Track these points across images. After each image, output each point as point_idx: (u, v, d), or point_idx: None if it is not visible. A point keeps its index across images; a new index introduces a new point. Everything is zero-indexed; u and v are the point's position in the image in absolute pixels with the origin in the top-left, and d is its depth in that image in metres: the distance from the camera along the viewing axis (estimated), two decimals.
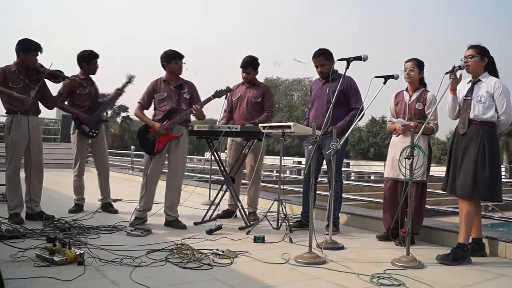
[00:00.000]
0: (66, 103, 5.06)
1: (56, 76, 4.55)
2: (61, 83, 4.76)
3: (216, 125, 4.86)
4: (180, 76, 4.52)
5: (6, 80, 4.17)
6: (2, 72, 4.18)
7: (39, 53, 4.35)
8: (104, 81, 6.26)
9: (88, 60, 5.05)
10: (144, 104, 4.47)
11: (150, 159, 4.39)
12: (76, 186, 5.18)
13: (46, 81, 4.47)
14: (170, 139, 4.37)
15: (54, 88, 4.67)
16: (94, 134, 5.11)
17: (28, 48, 4.27)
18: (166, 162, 4.52)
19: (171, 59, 4.41)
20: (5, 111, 4.30)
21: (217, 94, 4.46)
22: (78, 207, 5.10)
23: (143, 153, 4.56)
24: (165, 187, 4.48)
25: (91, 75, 5.12)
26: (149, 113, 4.55)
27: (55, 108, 5.36)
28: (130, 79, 5.06)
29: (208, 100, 4.43)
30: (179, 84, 4.47)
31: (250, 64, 4.94)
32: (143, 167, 4.60)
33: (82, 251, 2.95)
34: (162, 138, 4.35)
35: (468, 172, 3.43)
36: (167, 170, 4.57)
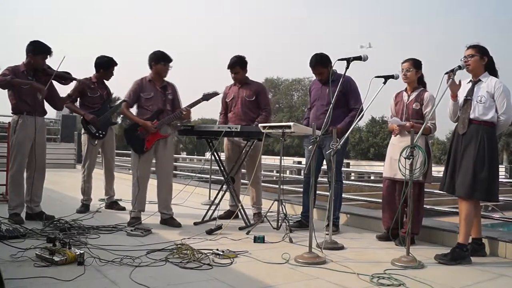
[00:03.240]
0: (77, 104, 5.15)
1: (64, 78, 4.57)
2: (71, 85, 4.78)
3: (216, 125, 4.86)
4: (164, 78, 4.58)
5: None
6: (12, 71, 4.23)
7: (48, 56, 4.37)
8: None
9: (105, 66, 5.20)
10: (130, 102, 4.48)
11: (138, 158, 4.42)
12: (83, 187, 5.20)
13: (54, 82, 4.49)
14: (159, 138, 4.43)
15: (62, 89, 4.71)
16: (101, 135, 5.18)
17: (37, 51, 4.29)
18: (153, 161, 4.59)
19: (160, 60, 4.47)
20: (11, 111, 4.32)
21: (205, 97, 4.52)
22: (85, 207, 5.12)
23: (125, 152, 4.58)
24: (155, 185, 4.52)
25: (104, 80, 5.27)
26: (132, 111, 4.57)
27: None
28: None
29: (196, 102, 4.51)
30: (164, 85, 4.55)
31: (237, 64, 4.89)
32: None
33: (82, 251, 2.95)
34: (151, 137, 4.39)
35: (467, 172, 3.43)
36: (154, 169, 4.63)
